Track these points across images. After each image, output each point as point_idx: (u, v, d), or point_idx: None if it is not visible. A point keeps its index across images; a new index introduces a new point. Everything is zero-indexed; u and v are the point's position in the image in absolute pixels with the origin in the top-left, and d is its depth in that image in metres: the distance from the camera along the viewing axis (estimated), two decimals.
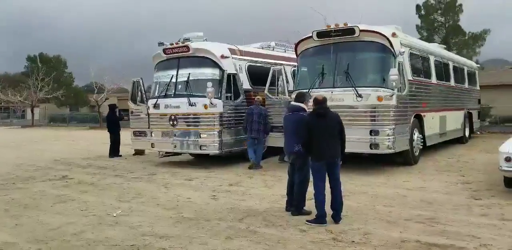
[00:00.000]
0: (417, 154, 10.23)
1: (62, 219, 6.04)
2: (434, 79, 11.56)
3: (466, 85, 15.04)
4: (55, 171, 10.83)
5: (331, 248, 4.66)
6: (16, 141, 22.20)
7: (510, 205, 6.27)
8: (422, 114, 10.47)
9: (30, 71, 45.15)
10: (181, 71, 10.90)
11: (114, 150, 13.65)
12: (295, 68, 11.82)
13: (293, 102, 6.36)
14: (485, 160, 10.68)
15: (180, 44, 10.84)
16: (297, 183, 6.07)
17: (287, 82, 10.56)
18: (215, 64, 10.64)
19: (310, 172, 5.91)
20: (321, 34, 9.68)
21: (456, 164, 10.30)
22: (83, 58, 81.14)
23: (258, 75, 11.44)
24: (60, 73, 48.60)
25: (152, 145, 11.36)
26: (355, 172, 9.02)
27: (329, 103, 6.04)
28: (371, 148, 8.94)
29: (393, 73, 8.51)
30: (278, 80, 10.44)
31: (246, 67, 11.34)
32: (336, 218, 5.60)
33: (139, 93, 11.88)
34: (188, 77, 10.69)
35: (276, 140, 10.59)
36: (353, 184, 7.94)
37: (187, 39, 10.86)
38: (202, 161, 12.01)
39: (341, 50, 9.47)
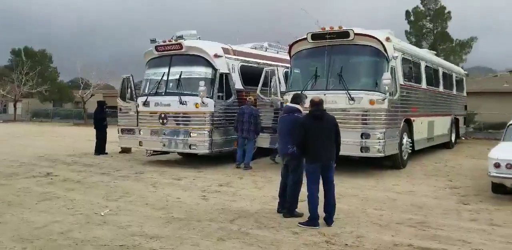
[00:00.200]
0: (405, 158, 10.29)
1: (48, 218, 5.89)
2: (424, 85, 11.67)
3: (454, 91, 15.23)
4: (39, 167, 10.59)
5: None
6: None
7: (498, 211, 6.34)
8: (412, 119, 10.55)
9: (14, 65, 44.22)
10: (173, 69, 10.77)
11: (100, 147, 13.43)
12: (287, 69, 11.81)
13: (288, 104, 6.32)
14: (471, 166, 10.80)
15: (173, 42, 10.71)
16: (290, 185, 6.03)
17: (280, 83, 10.53)
18: (208, 63, 10.54)
19: (304, 174, 5.88)
20: (315, 36, 9.67)
21: (444, 168, 10.40)
22: (69, 53, 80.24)
23: (250, 75, 11.39)
24: (45, 68, 47.76)
25: (140, 143, 11.20)
26: (345, 174, 9.02)
27: None
28: (361, 151, 8.96)
29: (386, 78, 8.55)
30: (271, 81, 10.41)
31: (239, 67, 11.27)
32: (329, 220, 5.58)
33: (129, 90, 11.71)
34: (180, 75, 10.57)
35: (264, 140, 10.57)
36: (343, 187, 7.92)
37: (180, 36, 10.74)
38: (190, 160, 11.90)
39: (335, 53, 9.48)
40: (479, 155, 13.07)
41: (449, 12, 27.52)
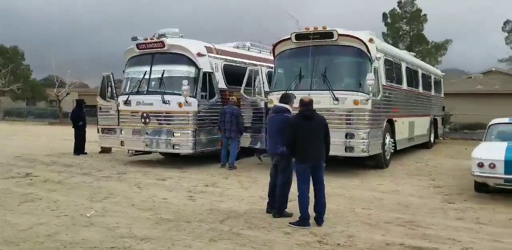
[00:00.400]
0: (388, 157, 10.44)
1: (32, 219, 5.70)
2: (405, 86, 11.85)
3: (433, 92, 15.54)
4: (17, 167, 10.26)
5: None
6: None
7: (483, 209, 6.48)
8: (394, 119, 10.70)
9: None
10: (154, 68, 10.60)
11: (79, 147, 13.12)
12: (270, 69, 11.81)
13: (277, 103, 6.31)
14: (451, 165, 11.03)
15: (155, 40, 10.55)
16: (279, 185, 6.01)
17: (264, 83, 10.51)
18: (191, 62, 10.42)
19: (293, 174, 5.88)
20: (299, 37, 9.69)
21: (425, 168, 10.58)
22: (41, 50, 78.13)
23: (233, 75, 11.34)
24: (17, 65, 46.40)
25: (122, 143, 11.00)
26: (330, 174, 9.01)
27: None
28: (346, 151, 9.03)
29: (370, 78, 8.64)
30: (254, 81, 10.38)
31: (222, 66, 11.19)
32: (319, 220, 5.59)
33: (109, 88, 11.49)
34: (162, 74, 10.41)
35: (245, 140, 10.53)
36: (329, 186, 7.87)
37: (162, 34, 10.59)
38: (173, 160, 11.76)
39: (319, 53, 9.51)
40: (458, 154, 13.39)
41: (425, 15, 28.11)
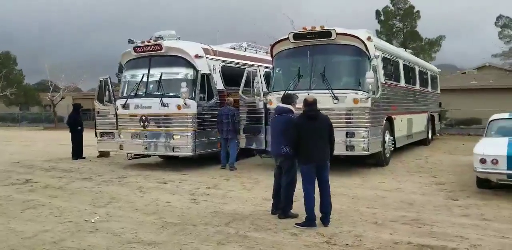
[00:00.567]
0: (388, 155, 10.45)
1: (36, 226, 5.65)
2: (403, 83, 11.88)
3: (429, 88, 15.59)
4: (16, 174, 10.18)
5: None
6: None
7: (486, 205, 6.49)
8: (393, 116, 10.72)
9: None
10: (152, 71, 10.55)
11: (77, 152, 13.03)
12: (267, 69, 11.79)
13: (280, 104, 6.28)
14: (451, 161, 11.06)
15: (152, 43, 10.50)
16: (284, 186, 6.00)
17: (262, 83, 10.48)
18: (188, 64, 10.38)
19: (298, 174, 5.86)
20: (297, 36, 9.67)
21: (425, 165, 10.60)
22: (34, 55, 77.64)
23: (231, 76, 11.30)
24: (10, 70, 46.09)
25: (121, 147, 10.93)
26: (332, 173, 8.93)
27: None
28: (347, 150, 9.02)
29: (369, 76, 8.64)
30: (253, 82, 10.35)
31: (220, 68, 11.15)
32: (325, 220, 5.58)
33: (107, 92, 11.42)
34: (160, 76, 10.35)
35: (241, 140, 10.49)
36: (331, 186, 7.70)
37: (159, 37, 10.54)
38: (172, 163, 11.70)
39: (317, 52, 9.51)
40: (456, 150, 13.45)
41: (418, 12, 28.24)
